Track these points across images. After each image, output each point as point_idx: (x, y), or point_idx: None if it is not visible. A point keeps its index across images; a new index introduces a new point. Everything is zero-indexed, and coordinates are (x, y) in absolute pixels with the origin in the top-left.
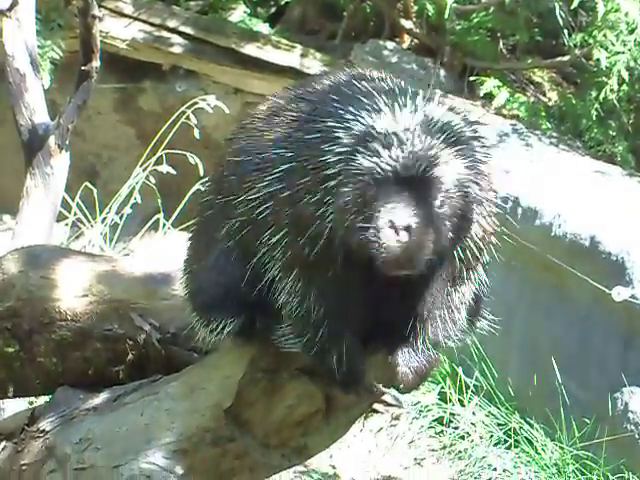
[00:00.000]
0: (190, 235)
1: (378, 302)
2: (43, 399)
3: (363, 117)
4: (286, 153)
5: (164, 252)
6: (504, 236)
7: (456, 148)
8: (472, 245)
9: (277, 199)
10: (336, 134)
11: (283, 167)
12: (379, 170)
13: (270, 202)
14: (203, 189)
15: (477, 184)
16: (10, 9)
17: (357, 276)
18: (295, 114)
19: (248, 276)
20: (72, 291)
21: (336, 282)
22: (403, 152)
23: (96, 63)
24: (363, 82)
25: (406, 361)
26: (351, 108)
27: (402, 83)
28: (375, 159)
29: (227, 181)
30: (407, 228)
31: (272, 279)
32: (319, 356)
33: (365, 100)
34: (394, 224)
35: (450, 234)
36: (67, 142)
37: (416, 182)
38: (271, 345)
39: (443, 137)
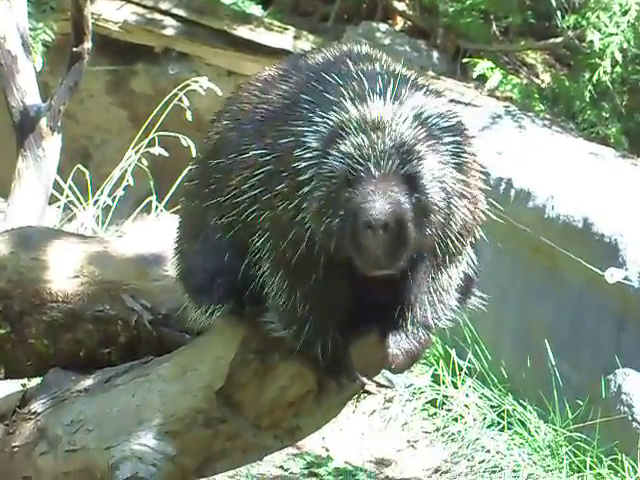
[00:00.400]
0: (179, 214)
1: (364, 293)
2: (35, 381)
3: (331, 118)
4: (264, 157)
5: (156, 234)
6: (496, 218)
7: (432, 142)
8: (454, 238)
9: (260, 202)
10: (305, 139)
11: (262, 170)
12: (351, 171)
13: (256, 205)
14: (190, 169)
15: (457, 178)
16: None
17: (341, 275)
18: (271, 108)
19: (236, 266)
20: (63, 272)
21: (320, 282)
22: (374, 151)
23: (88, 45)
24: (344, 66)
25: (397, 343)
26: (320, 110)
27: (391, 66)
28: (347, 160)
29: (212, 175)
30: (384, 227)
31: (262, 273)
32: (304, 346)
33: (336, 97)
34: (371, 224)
35: (429, 230)
36: (59, 124)
37: (390, 180)
38: (262, 327)
39: (419, 130)
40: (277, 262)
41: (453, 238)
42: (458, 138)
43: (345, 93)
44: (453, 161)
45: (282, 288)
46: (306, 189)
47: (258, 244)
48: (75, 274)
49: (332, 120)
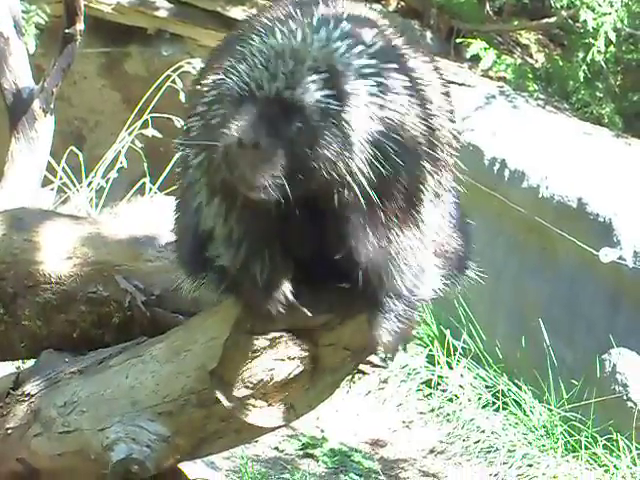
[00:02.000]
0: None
1: (304, 239)
2: (28, 363)
3: (240, 50)
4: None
5: (150, 215)
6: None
7: (327, 74)
8: (363, 182)
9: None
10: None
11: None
12: (237, 89)
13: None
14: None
15: (351, 114)
16: None
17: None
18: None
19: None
20: (56, 254)
21: (247, 207)
22: (265, 73)
23: (80, 26)
24: (284, 10)
25: (379, 323)
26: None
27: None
28: (237, 78)
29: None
30: (255, 145)
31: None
32: (242, 270)
33: (253, 35)
34: (241, 141)
35: (318, 163)
36: (52, 106)
37: (272, 103)
38: (257, 307)
39: (317, 59)
40: (209, 189)
41: (362, 181)
42: (373, 65)
43: (263, 30)
44: (350, 95)
45: (218, 214)
46: (213, 107)
47: (196, 177)
48: (68, 255)
49: (240, 51)
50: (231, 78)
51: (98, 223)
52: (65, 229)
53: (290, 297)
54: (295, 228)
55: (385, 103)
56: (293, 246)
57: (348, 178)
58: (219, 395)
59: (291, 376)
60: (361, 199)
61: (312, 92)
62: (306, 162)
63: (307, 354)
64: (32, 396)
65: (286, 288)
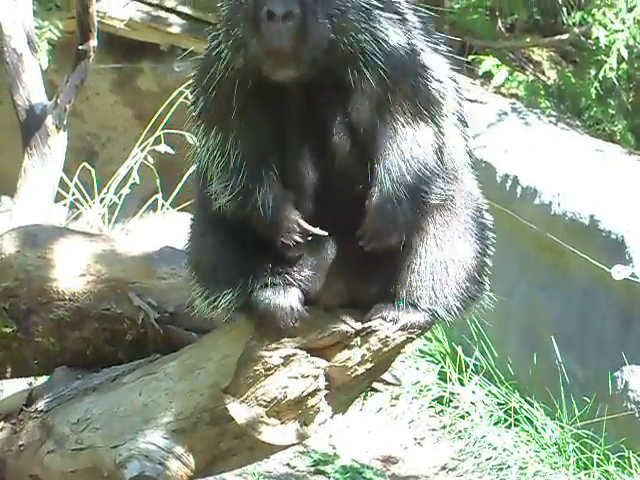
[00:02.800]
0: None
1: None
2: (42, 380)
3: None
4: None
5: (163, 231)
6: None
7: None
8: (374, 62)
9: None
10: None
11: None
12: None
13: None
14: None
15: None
16: None
17: (262, 107)
18: None
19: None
20: (70, 271)
21: (248, 123)
22: None
23: (93, 43)
24: None
25: (378, 206)
26: None
27: None
28: None
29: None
30: (287, 15)
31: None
32: (244, 201)
33: None
34: (273, 13)
35: (335, 35)
36: (65, 122)
37: None
38: (270, 324)
39: None
40: (206, 120)
41: (374, 62)
42: None
43: None
44: None
45: (216, 143)
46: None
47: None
48: (82, 272)
49: None
50: None
51: (112, 240)
52: (79, 246)
53: (300, 309)
54: (297, 147)
55: None
56: (295, 173)
57: (368, 52)
58: (232, 413)
59: (304, 394)
60: (376, 80)
61: None
62: (329, 33)
63: (321, 372)
64: (45, 413)
65: (295, 300)
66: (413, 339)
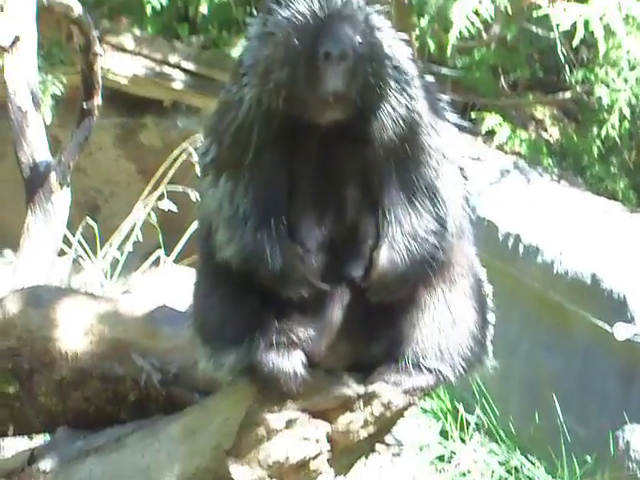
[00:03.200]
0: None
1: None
2: (44, 438)
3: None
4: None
5: (165, 287)
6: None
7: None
8: (390, 111)
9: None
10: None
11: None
12: (297, 15)
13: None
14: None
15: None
16: (12, 45)
17: (277, 157)
18: None
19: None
20: (73, 331)
21: (261, 171)
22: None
23: (97, 100)
24: None
25: (387, 257)
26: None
27: None
28: (290, 12)
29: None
30: (343, 57)
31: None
32: (252, 251)
33: None
34: (330, 54)
35: (371, 79)
36: (68, 179)
37: (336, 19)
38: (273, 388)
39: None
40: (216, 168)
41: (389, 110)
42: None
43: None
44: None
45: (225, 192)
46: (247, 64)
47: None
48: (85, 332)
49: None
50: (283, 12)
51: (115, 300)
52: (82, 306)
53: (303, 373)
54: (308, 198)
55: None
56: (304, 225)
57: (393, 102)
58: (235, 475)
59: (307, 457)
60: (395, 133)
61: (368, 9)
62: (369, 77)
63: (323, 435)
64: (47, 473)
65: (298, 365)
66: (416, 402)
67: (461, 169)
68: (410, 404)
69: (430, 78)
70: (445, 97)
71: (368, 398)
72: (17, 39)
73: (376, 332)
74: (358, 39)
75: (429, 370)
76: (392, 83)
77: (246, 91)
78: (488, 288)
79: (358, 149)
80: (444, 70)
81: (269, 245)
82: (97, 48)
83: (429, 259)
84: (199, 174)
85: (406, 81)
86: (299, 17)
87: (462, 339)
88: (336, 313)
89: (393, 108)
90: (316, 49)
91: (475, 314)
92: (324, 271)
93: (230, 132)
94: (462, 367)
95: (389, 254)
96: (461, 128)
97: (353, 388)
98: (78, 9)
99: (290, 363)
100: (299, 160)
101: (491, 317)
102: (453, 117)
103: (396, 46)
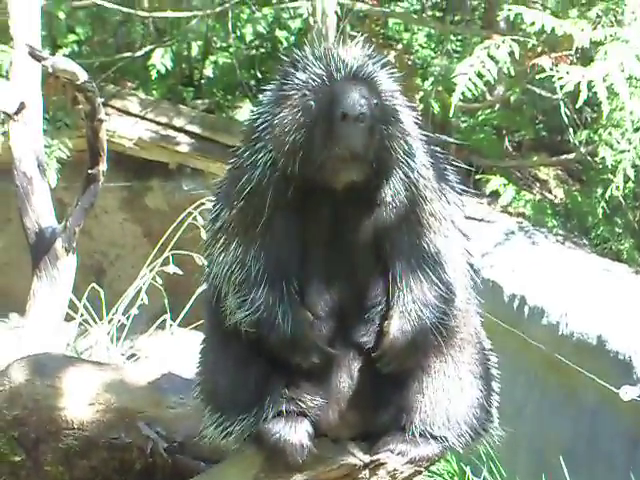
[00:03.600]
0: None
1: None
2: None
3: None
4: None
5: (171, 353)
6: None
7: (380, 62)
8: (402, 175)
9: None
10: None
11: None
12: (314, 77)
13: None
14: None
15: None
16: (17, 112)
17: (291, 221)
18: None
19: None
20: (79, 400)
21: (273, 236)
22: (331, 63)
23: (103, 166)
24: None
25: (399, 326)
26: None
27: None
28: (308, 70)
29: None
30: (360, 117)
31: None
32: (262, 318)
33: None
34: (347, 114)
35: (385, 141)
36: (74, 245)
37: (352, 81)
38: (279, 459)
39: (369, 60)
40: (227, 233)
41: (401, 173)
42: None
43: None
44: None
45: (237, 256)
46: (261, 127)
47: (215, 228)
48: (90, 401)
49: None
50: (300, 75)
51: (121, 369)
52: (88, 375)
53: (309, 445)
54: (320, 264)
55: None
56: (315, 290)
57: (405, 165)
58: None
59: None
60: (406, 195)
61: (381, 73)
62: (383, 139)
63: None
64: None
65: (305, 437)
66: (421, 471)
67: (466, 236)
68: (416, 472)
69: (435, 142)
70: (450, 159)
71: (374, 467)
72: (22, 106)
73: (384, 400)
74: (374, 101)
75: (435, 438)
76: (404, 147)
77: (260, 155)
78: (492, 355)
79: (370, 214)
80: (447, 137)
81: (280, 311)
82: (102, 114)
83: (439, 326)
84: (207, 240)
85: (415, 146)
86: (316, 79)
87: (469, 407)
88: (344, 380)
89: (405, 172)
90: (333, 110)
91: (481, 382)
92: (333, 337)
93: (243, 196)
94: (469, 435)
95: (400, 323)
96: (466, 192)
97: (359, 457)
98: (83, 76)
99: (297, 435)
100: (311, 225)
101: (496, 385)
102: (458, 183)
103: (404, 111)
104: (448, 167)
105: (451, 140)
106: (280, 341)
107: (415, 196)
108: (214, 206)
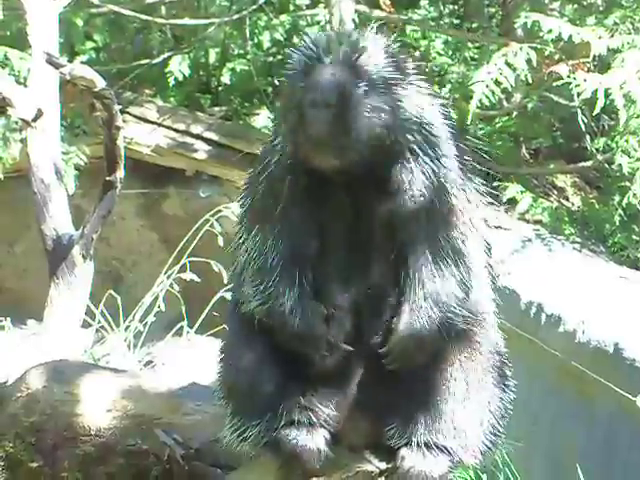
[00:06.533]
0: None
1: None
2: None
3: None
4: None
5: (188, 357)
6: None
7: (380, 45)
8: (419, 165)
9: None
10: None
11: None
12: (304, 59)
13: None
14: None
15: (404, 86)
16: (35, 119)
17: (307, 211)
18: None
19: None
20: (96, 406)
21: (290, 224)
22: (332, 40)
23: (120, 173)
24: None
25: (407, 323)
26: None
27: None
28: (303, 53)
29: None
30: (329, 105)
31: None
32: (273, 308)
33: None
34: (314, 102)
35: (379, 130)
36: (91, 252)
37: (339, 66)
38: (296, 464)
39: (367, 38)
40: (250, 219)
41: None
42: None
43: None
44: (399, 67)
45: (255, 242)
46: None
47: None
48: (108, 408)
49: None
50: (297, 53)
51: (138, 376)
52: (105, 381)
53: (326, 450)
54: (335, 255)
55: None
56: (329, 283)
57: (419, 154)
58: None
59: None
60: (423, 184)
61: (376, 57)
62: (376, 127)
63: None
64: None
65: (321, 442)
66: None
67: (484, 236)
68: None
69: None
70: (474, 159)
71: (390, 473)
72: (40, 113)
73: (396, 408)
74: (362, 85)
75: (447, 450)
76: (418, 138)
77: (277, 140)
78: (509, 363)
79: (387, 204)
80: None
81: (291, 302)
82: (119, 122)
83: (449, 326)
84: (238, 221)
85: (436, 138)
86: (308, 63)
87: (480, 420)
88: (358, 384)
89: (422, 163)
90: (305, 96)
91: (494, 394)
92: (346, 332)
93: (262, 179)
94: (479, 448)
95: (409, 319)
96: (490, 195)
97: (374, 464)
98: (100, 83)
99: (313, 441)
100: (328, 215)
101: (510, 395)
102: (483, 184)
103: (428, 105)
104: (474, 164)
105: (475, 140)
106: (289, 332)
107: (434, 186)
108: (244, 189)
